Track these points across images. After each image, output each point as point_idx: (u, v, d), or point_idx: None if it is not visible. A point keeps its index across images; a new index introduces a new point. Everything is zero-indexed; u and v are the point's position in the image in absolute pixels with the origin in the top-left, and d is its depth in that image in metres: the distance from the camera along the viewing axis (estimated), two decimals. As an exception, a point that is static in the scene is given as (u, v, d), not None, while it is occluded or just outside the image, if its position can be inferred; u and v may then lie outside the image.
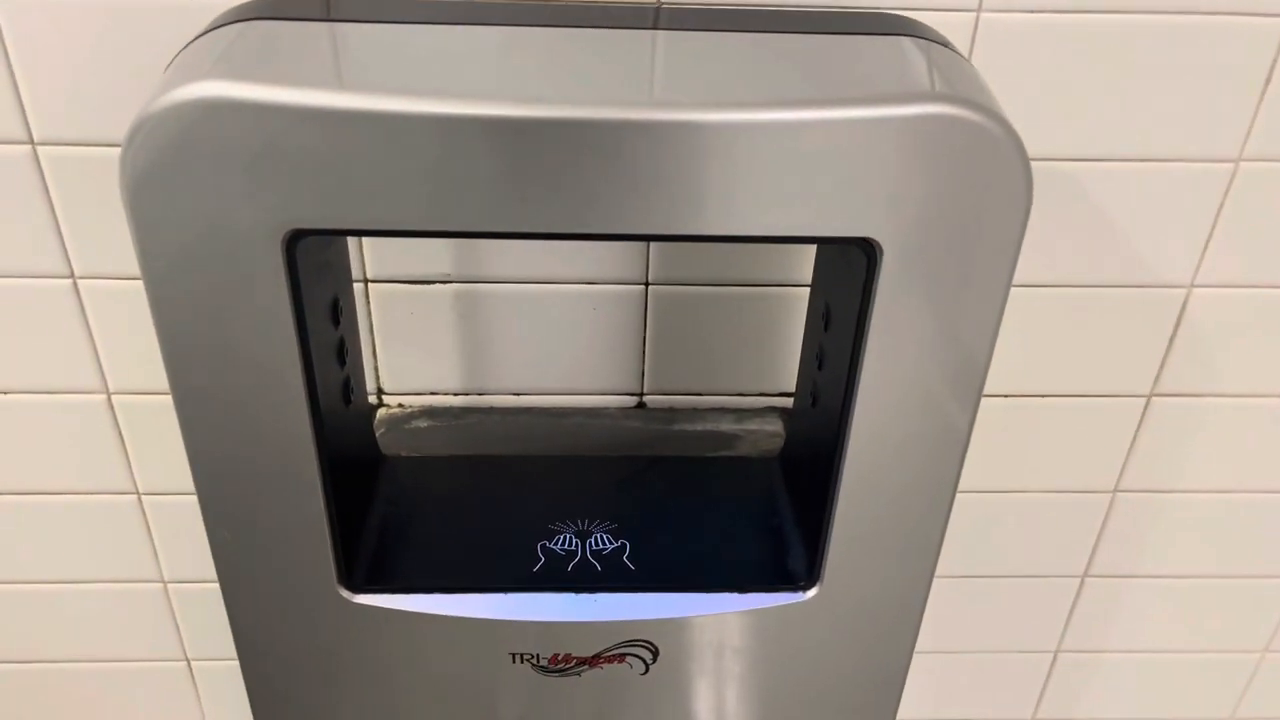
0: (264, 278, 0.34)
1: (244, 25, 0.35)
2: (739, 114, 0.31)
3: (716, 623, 0.43)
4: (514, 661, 0.43)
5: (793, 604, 0.43)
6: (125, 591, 0.63)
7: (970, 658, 0.70)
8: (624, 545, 0.45)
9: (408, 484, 0.48)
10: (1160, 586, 0.67)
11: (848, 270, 0.38)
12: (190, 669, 0.67)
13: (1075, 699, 0.73)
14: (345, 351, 0.42)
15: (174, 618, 0.65)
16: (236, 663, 0.66)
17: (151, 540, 0.61)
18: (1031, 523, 0.63)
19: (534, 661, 0.43)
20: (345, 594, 0.41)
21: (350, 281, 0.44)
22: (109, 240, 0.50)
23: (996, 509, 0.62)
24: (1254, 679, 0.72)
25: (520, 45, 0.35)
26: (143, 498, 0.59)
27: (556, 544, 0.44)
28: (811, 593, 0.42)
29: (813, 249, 0.47)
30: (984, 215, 0.34)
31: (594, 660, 0.43)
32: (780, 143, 0.32)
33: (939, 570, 0.63)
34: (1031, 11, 0.45)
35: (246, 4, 0.37)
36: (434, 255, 0.52)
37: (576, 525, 0.46)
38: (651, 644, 0.43)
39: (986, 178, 0.33)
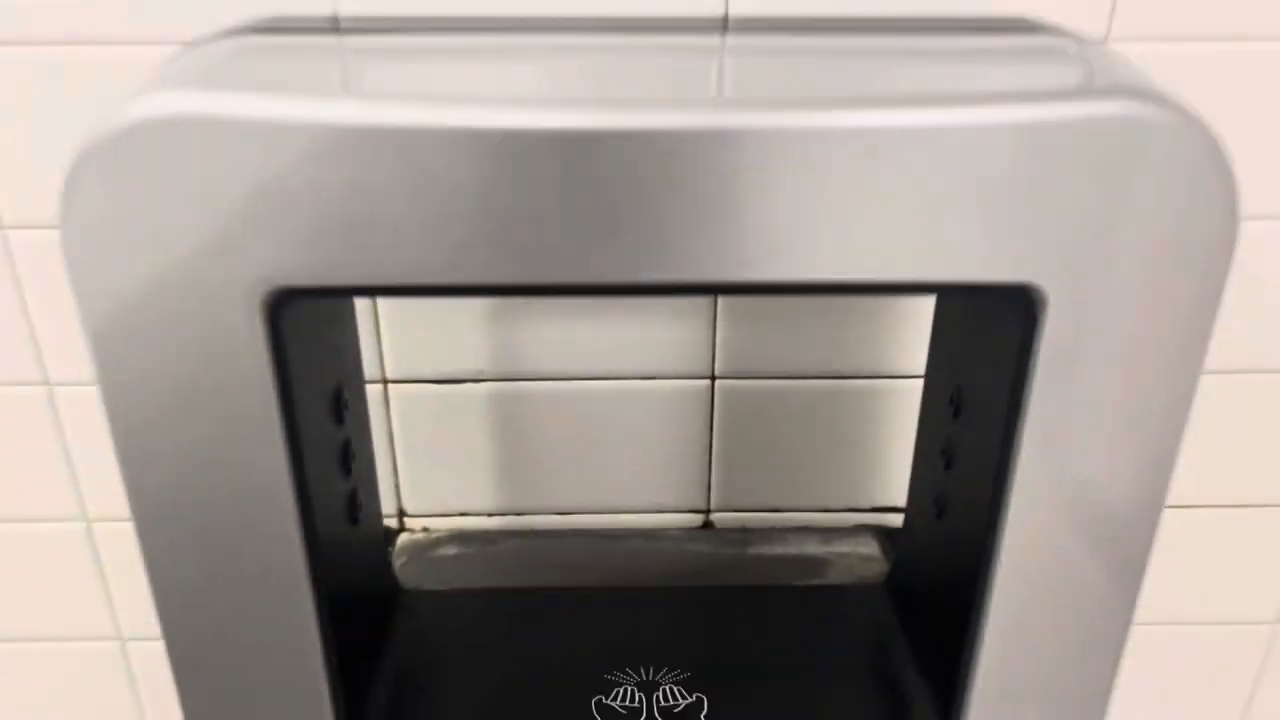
0: (239, 348, 0.26)
1: (227, 40, 0.28)
2: (846, 115, 0.24)
3: (826, 804, 0.33)
4: None
5: (924, 778, 0.33)
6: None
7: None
8: (700, 701, 0.35)
9: (430, 624, 0.39)
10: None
11: (988, 336, 0.29)
12: None
13: None
14: (352, 457, 0.33)
15: None
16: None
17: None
18: (1193, 662, 0.52)
19: None
20: (347, 770, 0.32)
21: (359, 370, 0.36)
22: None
23: (1158, 642, 0.52)
24: None
25: (553, 55, 0.28)
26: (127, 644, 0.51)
27: (615, 699, 0.35)
28: (948, 764, 0.32)
29: (923, 320, 0.38)
30: (1177, 245, 0.25)
31: None
32: (911, 152, 0.24)
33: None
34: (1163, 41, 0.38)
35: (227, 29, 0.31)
36: (464, 349, 0.44)
37: (640, 675, 0.36)
38: (743, 835, 0.33)
39: (1180, 193, 0.25)
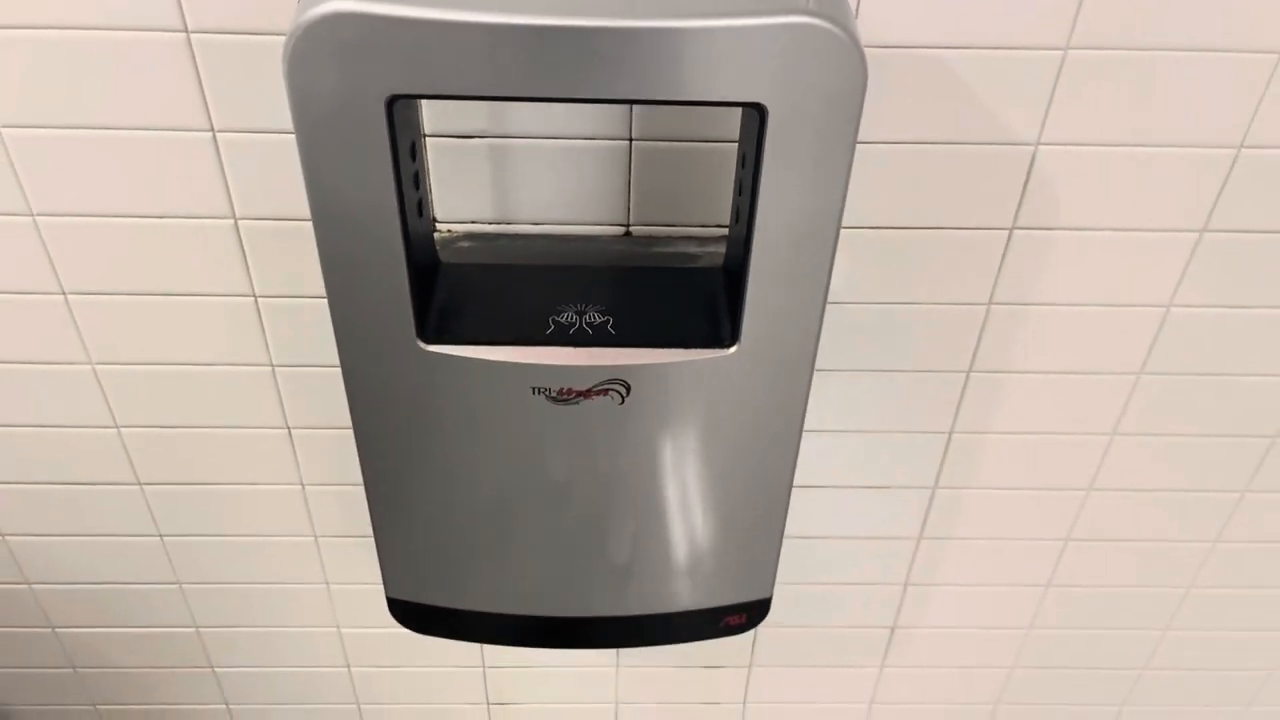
0: (373, 126, 0.53)
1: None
2: (674, 22, 0.50)
3: (669, 369, 0.63)
4: (533, 393, 0.64)
5: (720, 357, 0.63)
6: (240, 373, 0.85)
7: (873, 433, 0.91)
8: (609, 319, 0.65)
9: (459, 278, 0.68)
10: (1030, 380, 0.87)
11: (753, 126, 0.57)
12: (291, 436, 0.89)
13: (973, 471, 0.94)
14: (419, 180, 0.61)
15: (278, 391, 0.86)
16: (328, 430, 0.88)
17: (264, 333, 0.82)
18: (918, 328, 0.83)
19: (547, 393, 0.64)
20: (421, 345, 0.62)
21: (421, 132, 0.63)
22: (244, 101, 0.69)
23: (884, 314, 0.82)
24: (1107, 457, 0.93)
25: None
26: (259, 300, 0.80)
27: (562, 317, 0.65)
28: (733, 349, 0.63)
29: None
30: (833, 91, 0.53)
31: (587, 393, 0.64)
32: (704, 41, 0.50)
33: (839, 367, 0.84)
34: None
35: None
36: (473, 117, 0.71)
37: (577, 307, 0.66)
38: (626, 382, 0.64)
39: (834, 67, 0.52)
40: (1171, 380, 0.87)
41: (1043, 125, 0.72)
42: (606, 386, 0.64)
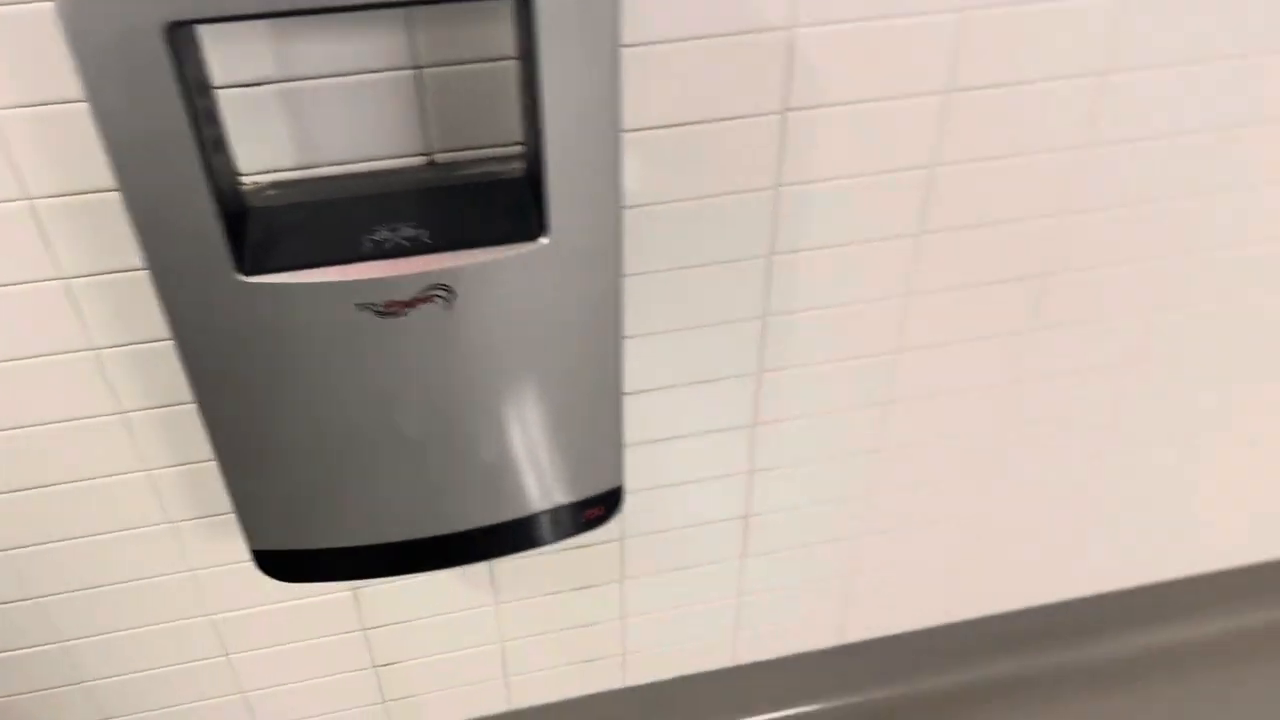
0: (156, 59, 0.55)
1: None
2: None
3: (487, 267, 0.67)
4: (358, 310, 0.66)
5: (534, 249, 0.68)
6: (61, 361, 0.84)
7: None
8: (423, 231, 0.68)
9: (271, 217, 0.70)
10: (826, 254, 0.95)
11: (525, 20, 0.61)
12: (128, 421, 0.89)
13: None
14: (214, 116, 0.63)
15: (104, 376, 0.86)
16: (166, 409, 0.88)
17: (81, 316, 0.81)
18: (716, 221, 0.89)
19: (374, 309, 0.67)
20: (241, 278, 0.64)
21: (209, 80, 0.65)
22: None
23: (682, 212, 0.88)
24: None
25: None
26: (69, 282, 0.79)
27: (377, 235, 0.68)
28: (545, 240, 0.67)
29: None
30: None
31: (412, 302, 0.67)
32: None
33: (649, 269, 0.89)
34: None
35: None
36: (259, 63, 0.72)
37: (389, 226, 0.69)
38: (448, 286, 0.67)
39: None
40: (948, 235, 0.96)
41: (795, 7, 0.79)
42: (430, 294, 0.67)
